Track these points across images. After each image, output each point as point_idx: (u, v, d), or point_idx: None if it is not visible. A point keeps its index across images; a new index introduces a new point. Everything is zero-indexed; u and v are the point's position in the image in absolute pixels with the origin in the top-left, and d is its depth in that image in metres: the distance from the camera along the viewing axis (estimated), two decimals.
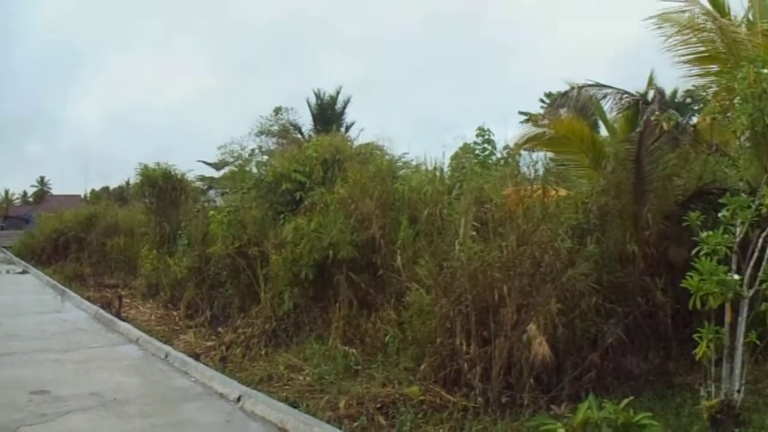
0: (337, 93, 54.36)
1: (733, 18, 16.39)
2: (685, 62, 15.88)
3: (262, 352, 16.55)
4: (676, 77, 16.60)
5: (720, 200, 10.45)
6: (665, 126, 12.83)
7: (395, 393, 12.60)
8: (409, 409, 12.02)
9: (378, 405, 12.27)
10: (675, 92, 25.11)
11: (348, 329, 15.79)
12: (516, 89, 69.33)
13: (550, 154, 18.73)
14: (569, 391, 12.20)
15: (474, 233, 13.54)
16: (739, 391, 10.21)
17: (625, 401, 9.10)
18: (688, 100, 20.74)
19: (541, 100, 29.35)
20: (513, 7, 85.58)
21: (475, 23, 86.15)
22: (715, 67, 15.61)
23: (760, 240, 10.26)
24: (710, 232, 9.84)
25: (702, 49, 15.72)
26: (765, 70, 10.45)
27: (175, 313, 23.12)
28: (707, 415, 10.24)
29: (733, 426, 10.18)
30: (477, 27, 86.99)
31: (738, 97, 10.68)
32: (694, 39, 15.65)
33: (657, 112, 13.78)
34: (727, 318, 10.03)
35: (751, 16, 16.58)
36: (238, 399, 13.34)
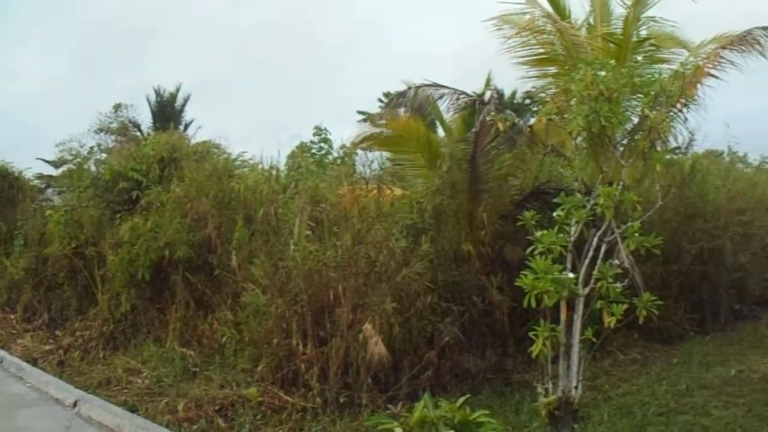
0: (177, 90, 53.59)
1: (573, 21, 16.64)
2: (523, 64, 16.11)
3: (101, 355, 16.10)
4: (516, 78, 16.82)
5: (555, 200, 10.56)
6: (501, 126, 12.94)
7: (234, 395, 12.48)
8: (248, 410, 11.96)
9: (217, 407, 12.15)
10: (514, 93, 25.61)
11: (185, 330, 15.57)
12: (357, 89, 68.93)
13: (387, 154, 18.77)
14: (407, 390, 12.28)
15: (309, 233, 13.53)
16: (576, 387, 10.31)
17: (462, 399, 9.12)
18: (527, 101, 21.13)
19: (380, 100, 29.61)
20: (356, 5, 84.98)
21: (317, 21, 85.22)
22: (553, 69, 15.87)
23: (595, 239, 10.42)
24: (545, 231, 9.93)
25: (541, 51, 15.95)
26: (602, 73, 10.60)
27: (12, 317, 22.28)
28: (545, 412, 10.31)
29: (571, 422, 10.30)
30: (318, 24, 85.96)
31: (574, 99, 10.82)
32: (534, 41, 15.86)
33: (493, 113, 13.89)
34: (563, 316, 10.14)
35: (591, 20, 16.89)
36: (75, 404, 12.97)
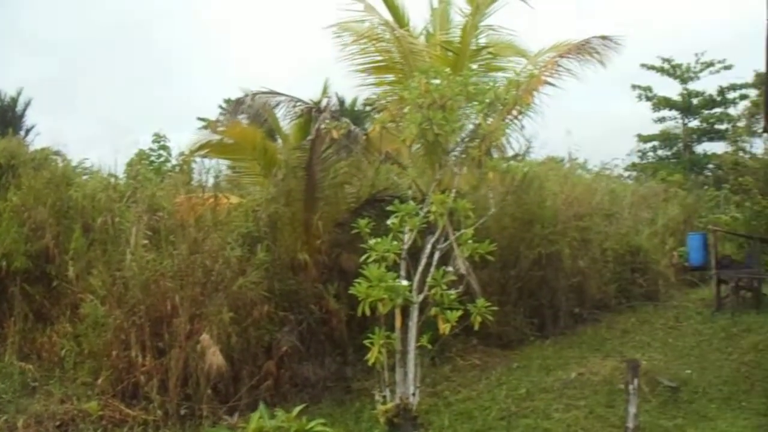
0: (18, 94, 52.14)
1: (412, 29, 16.70)
2: (362, 71, 16.10)
3: None
4: (354, 86, 16.83)
5: (388, 207, 10.58)
6: (335, 134, 12.89)
7: (74, 409, 12.04)
8: (89, 425, 11.61)
9: (57, 423, 11.70)
10: (355, 100, 25.62)
11: (24, 344, 14.98)
12: (200, 94, 67.96)
13: (227, 161, 18.48)
14: (248, 401, 12.17)
15: (146, 242, 13.26)
16: (414, 394, 10.36)
17: (298, 408, 9.12)
18: (369, 108, 21.12)
19: (221, 107, 29.33)
20: (201, 9, 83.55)
21: (159, 24, 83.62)
22: (391, 77, 15.89)
23: (428, 246, 10.47)
24: (379, 239, 9.94)
25: (379, 58, 15.95)
26: (436, 81, 10.66)
27: None
28: (384, 420, 10.34)
29: (411, 429, 10.35)
30: (160, 28, 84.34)
31: (408, 107, 10.82)
32: (373, 48, 15.86)
33: (328, 120, 13.80)
34: (397, 323, 10.16)
35: (431, 28, 16.99)
36: None
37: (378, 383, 10.75)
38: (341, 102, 26.07)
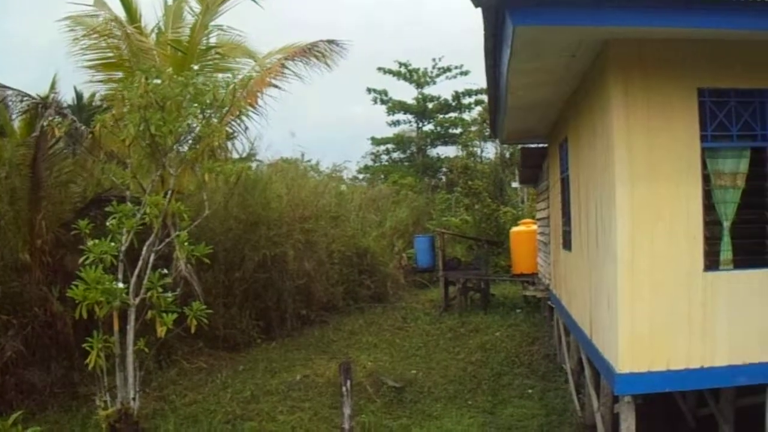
0: None
1: (144, 26, 16.47)
2: (92, 67, 15.76)
3: None
4: (83, 82, 16.49)
5: (107, 209, 10.41)
6: (57, 132, 12.54)
7: None
8: None
9: None
10: (93, 95, 24.93)
11: None
12: None
13: None
14: None
15: None
16: (134, 398, 10.19)
17: (14, 416, 8.81)
18: (105, 104, 20.59)
19: None
20: None
21: None
22: (120, 74, 15.57)
23: (145, 248, 10.36)
24: (96, 241, 9.75)
25: (110, 54, 15.65)
26: (157, 81, 10.52)
27: None
28: (106, 425, 10.13)
29: None
30: None
31: (128, 106, 10.64)
32: (104, 44, 15.53)
33: (53, 117, 13.40)
34: (115, 326, 10.01)
35: (163, 26, 16.79)
36: None
37: (101, 388, 10.56)
38: (80, 97, 25.35)
